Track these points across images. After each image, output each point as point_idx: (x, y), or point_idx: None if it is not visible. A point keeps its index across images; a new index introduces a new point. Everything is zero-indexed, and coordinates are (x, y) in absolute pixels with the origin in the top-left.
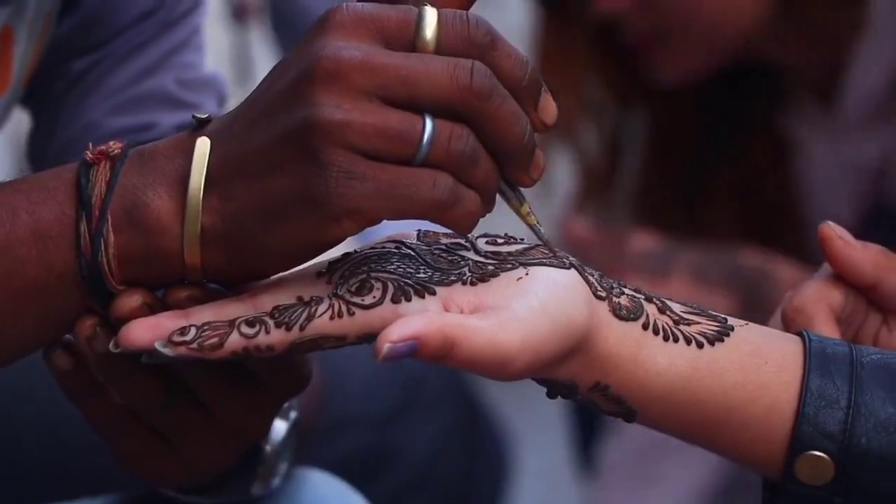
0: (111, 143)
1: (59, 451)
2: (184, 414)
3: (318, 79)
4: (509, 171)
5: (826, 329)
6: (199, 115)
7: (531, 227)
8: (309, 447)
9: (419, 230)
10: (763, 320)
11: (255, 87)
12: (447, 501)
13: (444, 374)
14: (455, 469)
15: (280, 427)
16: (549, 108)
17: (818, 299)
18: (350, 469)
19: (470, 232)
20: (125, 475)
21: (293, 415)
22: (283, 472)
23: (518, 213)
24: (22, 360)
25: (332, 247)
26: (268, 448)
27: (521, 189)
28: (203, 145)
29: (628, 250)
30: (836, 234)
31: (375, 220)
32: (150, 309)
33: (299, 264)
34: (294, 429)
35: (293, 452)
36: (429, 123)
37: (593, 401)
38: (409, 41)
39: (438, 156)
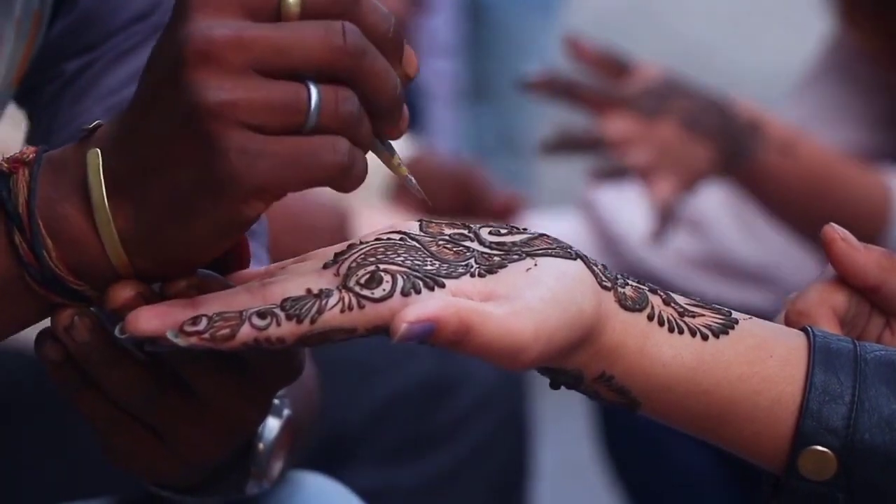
0: (24, 149)
1: (55, 453)
2: (173, 405)
3: (193, 62)
4: (380, 126)
5: (829, 331)
6: (85, 126)
7: (404, 178)
8: (304, 448)
9: (421, 220)
10: (741, 174)
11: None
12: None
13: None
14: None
15: (273, 425)
16: (411, 59)
17: (821, 302)
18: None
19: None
20: (119, 475)
21: (286, 413)
22: (277, 471)
23: (389, 165)
24: (20, 366)
25: (246, 228)
26: (260, 446)
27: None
28: (94, 157)
29: (626, 83)
30: (839, 236)
31: (282, 195)
32: (145, 299)
33: (222, 250)
34: (287, 427)
35: (288, 453)
36: (314, 90)
37: (597, 391)
38: (274, 9)
39: (328, 121)
